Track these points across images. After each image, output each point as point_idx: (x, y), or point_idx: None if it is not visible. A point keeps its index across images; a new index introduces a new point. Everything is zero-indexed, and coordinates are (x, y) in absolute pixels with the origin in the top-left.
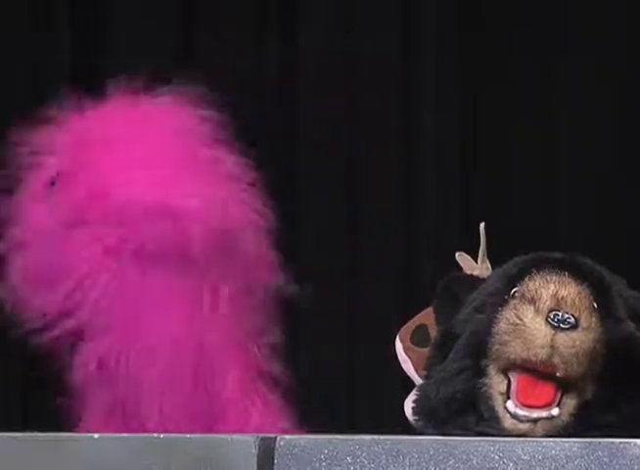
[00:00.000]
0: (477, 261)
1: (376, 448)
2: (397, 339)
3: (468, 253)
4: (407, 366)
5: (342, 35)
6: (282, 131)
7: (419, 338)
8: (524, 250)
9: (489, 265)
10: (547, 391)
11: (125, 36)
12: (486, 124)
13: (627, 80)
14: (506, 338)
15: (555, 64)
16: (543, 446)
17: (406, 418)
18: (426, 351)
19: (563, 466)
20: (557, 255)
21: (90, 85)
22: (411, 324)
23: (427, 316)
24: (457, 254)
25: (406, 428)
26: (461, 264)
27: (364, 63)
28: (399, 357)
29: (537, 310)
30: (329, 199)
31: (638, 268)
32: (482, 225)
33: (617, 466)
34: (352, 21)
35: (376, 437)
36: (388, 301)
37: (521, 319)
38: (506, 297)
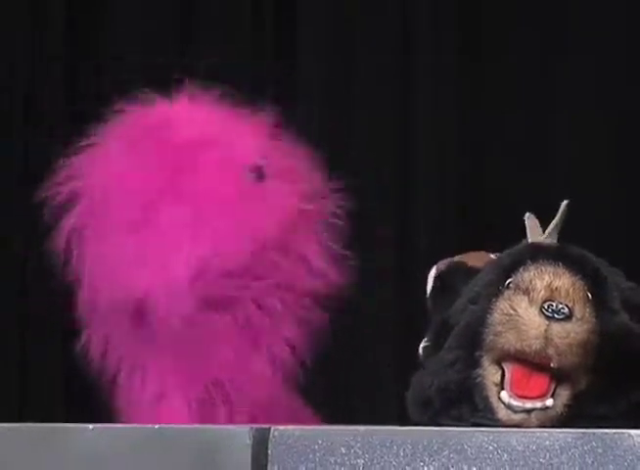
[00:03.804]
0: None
1: (370, 439)
2: (433, 269)
3: (464, 247)
4: None
5: (342, 35)
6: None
7: None
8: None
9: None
10: (541, 381)
11: (125, 36)
12: (486, 124)
13: (627, 80)
14: (500, 329)
15: (555, 64)
16: (537, 437)
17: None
18: None
19: (557, 457)
20: (552, 245)
21: (88, 86)
22: (451, 259)
23: (469, 257)
24: (527, 214)
25: (401, 418)
26: (527, 225)
27: (362, 63)
28: (429, 287)
29: (531, 301)
30: None
31: (636, 260)
32: (565, 203)
33: (611, 457)
34: (351, 21)
35: (370, 427)
36: (385, 296)
37: (515, 310)
38: (500, 287)
